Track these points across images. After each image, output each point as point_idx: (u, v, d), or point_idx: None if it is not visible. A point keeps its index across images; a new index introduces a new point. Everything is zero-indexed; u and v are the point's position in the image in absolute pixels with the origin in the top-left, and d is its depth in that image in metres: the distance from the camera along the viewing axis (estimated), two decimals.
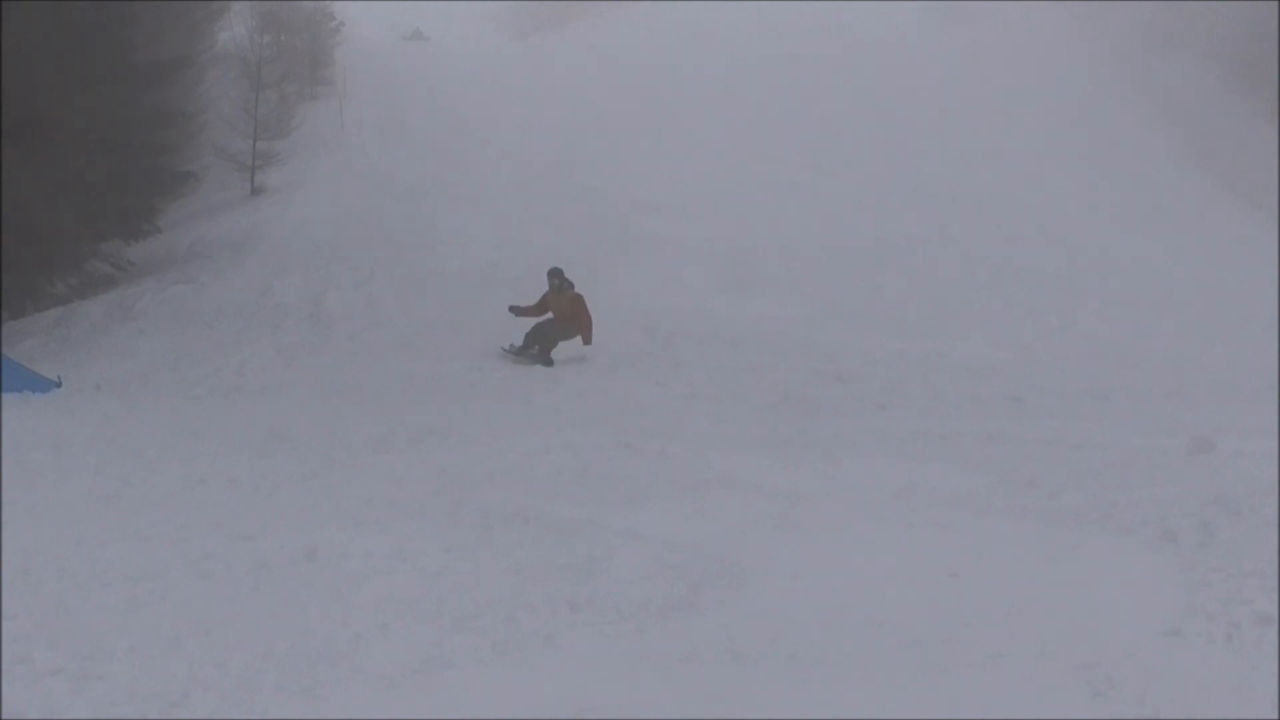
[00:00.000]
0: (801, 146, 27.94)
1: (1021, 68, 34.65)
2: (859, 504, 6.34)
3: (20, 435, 9.02)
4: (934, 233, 22.95)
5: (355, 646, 4.03)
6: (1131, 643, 3.94)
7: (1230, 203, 27.45)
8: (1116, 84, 33.94)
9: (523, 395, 12.95)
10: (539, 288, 15.90)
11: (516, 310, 15.45)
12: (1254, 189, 27.84)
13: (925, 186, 25.64)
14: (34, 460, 7.91)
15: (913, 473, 7.05)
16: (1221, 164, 29.40)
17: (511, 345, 15.17)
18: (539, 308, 15.51)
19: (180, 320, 17.23)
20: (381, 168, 26.58)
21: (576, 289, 15.48)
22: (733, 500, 6.50)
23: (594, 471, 7.40)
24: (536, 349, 15.05)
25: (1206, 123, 31.69)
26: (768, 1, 39.70)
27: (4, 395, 11.77)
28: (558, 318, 15.32)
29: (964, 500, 6.31)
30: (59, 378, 13.07)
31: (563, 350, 15.18)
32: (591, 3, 43.68)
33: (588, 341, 15.10)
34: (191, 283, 19.18)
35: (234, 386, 13.93)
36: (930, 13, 39.36)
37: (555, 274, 15.69)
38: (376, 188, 24.83)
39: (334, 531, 5.66)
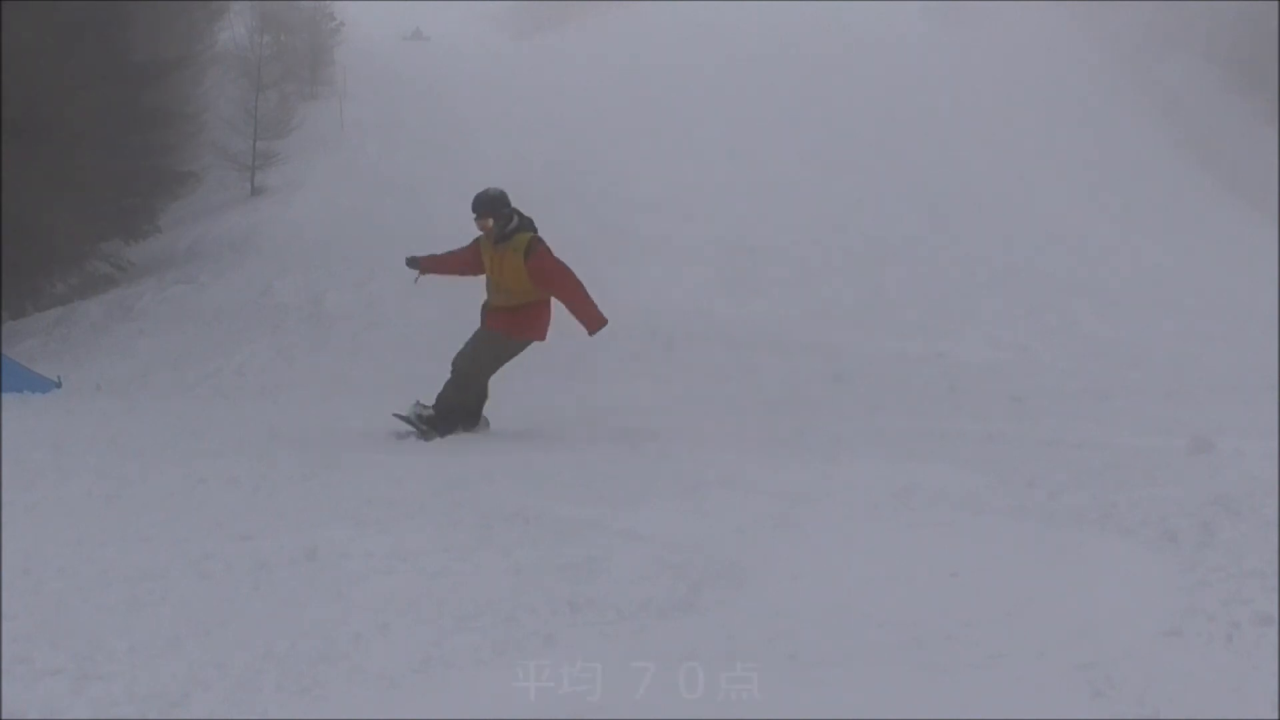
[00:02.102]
0: (801, 146, 27.93)
1: (1021, 68, 34.64)
2: (859, 504, 6.33)
3: (20, 435, 9.01)
4: (934, 233, 22.96)
5: (355, 646, 4.02)
6: (1131, 643, 3.94)
7: (1230, 203, 27.46)
8: (1117, 84, 33.94)
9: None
10: None
11: None
12: (1254, 189, 27.85)
13: (925, 186, 25.64)
14: (34, 460, 7.90)
15: (913, 473, 7.04)
16: (1221, 164, 29.40)
17: None
18: None
19: (180, 320, 17.23)
20: (381, 168, 26.59)
21: None
22: (733, 500, 6.49)
23: (594, 471, 7.40)
24: None
25: (1206, 123, 31.71)
26: (768, 1, 39.69)
27: (4, 395, 11.77)
28: None
29: (964, 500, 6.30)
30: (59, 378, 13.06)
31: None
32: (591, 3, 43.68)
33: None
34: (191, 283, 19.19)
35: (234, 386, 13.94)
36: (930, 13, 39.40)
37: None
38: (376, 188, 24.84)
39: (334, 531, 5.65)
